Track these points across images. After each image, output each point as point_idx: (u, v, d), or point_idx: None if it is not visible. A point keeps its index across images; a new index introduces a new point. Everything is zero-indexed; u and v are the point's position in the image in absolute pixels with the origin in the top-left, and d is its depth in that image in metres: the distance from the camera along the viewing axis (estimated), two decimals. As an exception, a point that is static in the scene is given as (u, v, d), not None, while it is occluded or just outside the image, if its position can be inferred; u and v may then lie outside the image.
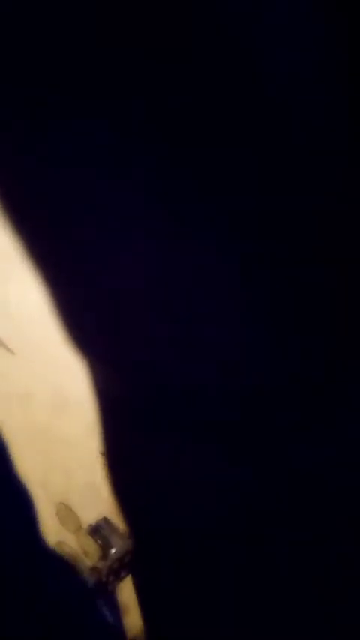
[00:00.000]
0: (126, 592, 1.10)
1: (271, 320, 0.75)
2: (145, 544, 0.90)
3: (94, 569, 1.11)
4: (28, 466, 1.13)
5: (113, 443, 0.91)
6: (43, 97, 0.71)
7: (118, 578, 1.12)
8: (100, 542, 1.13)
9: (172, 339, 0.77)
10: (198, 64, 0.69)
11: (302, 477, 0.73)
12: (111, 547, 1.10)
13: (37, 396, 0.97)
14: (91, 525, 1.17)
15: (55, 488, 1.15)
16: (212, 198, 0.73)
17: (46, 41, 0.71)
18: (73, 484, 1.13)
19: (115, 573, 1.11)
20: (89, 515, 1.18)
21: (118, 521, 1.00)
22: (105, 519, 1.03)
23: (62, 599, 0.84)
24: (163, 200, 0.74)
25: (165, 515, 0.80)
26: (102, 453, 0.95)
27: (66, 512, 1.18)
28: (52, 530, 1.20)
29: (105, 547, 1.13)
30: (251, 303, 0.75)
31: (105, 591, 1.06)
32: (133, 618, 0.99)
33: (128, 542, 1.00)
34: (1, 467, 0.98)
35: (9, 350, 0.93)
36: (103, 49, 0.70)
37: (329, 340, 0.75)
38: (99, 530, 1.16)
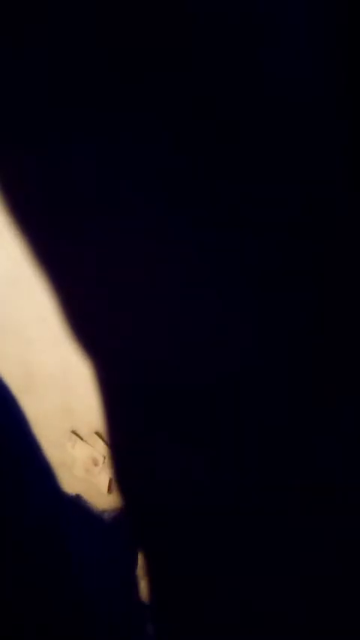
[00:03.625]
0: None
1: (273, 319, 0.76)
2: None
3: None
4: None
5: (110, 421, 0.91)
6: (44, 109, 0.72)
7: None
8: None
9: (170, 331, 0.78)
10: (198, 62, 0.70)
11: (305, 483, 0.74)
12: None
13: (2, 373, 0.97)
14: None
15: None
16: (211, 196, 0.74)
17: (48, 49, 0.71)
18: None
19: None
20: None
21: (90, 499, 1.01)
22: (78, 497, 1.03)
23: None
24: (162, 193, 0.75)
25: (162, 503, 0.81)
26: (73, 432, 0.96)
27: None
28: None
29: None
30: (252, 296, 0.76)
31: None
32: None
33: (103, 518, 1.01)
34: None
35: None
36: (102, 49, 0.70)
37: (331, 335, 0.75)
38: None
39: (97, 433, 0.97)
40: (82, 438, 0.99)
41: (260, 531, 0.74)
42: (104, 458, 0.98)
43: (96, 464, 1.00)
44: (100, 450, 0.99)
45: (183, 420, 0.78)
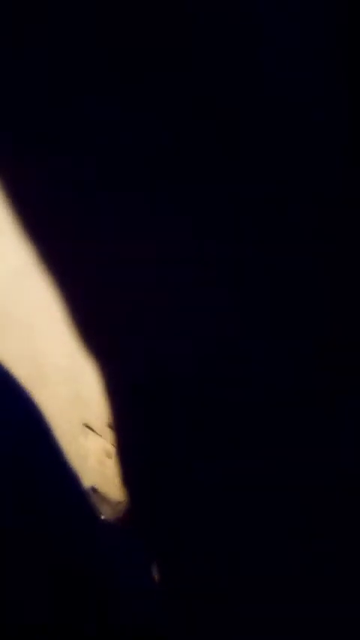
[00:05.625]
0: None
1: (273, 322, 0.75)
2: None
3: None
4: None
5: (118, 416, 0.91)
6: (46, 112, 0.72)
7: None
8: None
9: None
10: (198, 62, 0.69)
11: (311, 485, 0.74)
12: (100, 516, 1.09)
13: (12, 367, 0.96)
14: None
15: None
16: (212, 195, 0.74)
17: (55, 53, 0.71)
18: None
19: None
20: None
21: (104, 490, 1.00)
22: (92, 489, 1.02)
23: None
24: (163, 194, 0.75)
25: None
26: (85, 424, 0.96)
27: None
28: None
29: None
30: (254, 299, 0.76)
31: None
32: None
33: (118, 510, 1.00)
34: None
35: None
36: (102, 49, 0.70)
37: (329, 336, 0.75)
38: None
39: (109, 425, 0.96)
40: (94, 431, 0.99)
41: (260, 531, 0.74)
42: (116, 450, 0.98)
43: (109, 456, 0.99)
44: (112, 442, 0.98)
45: (186, 420, 0.78)
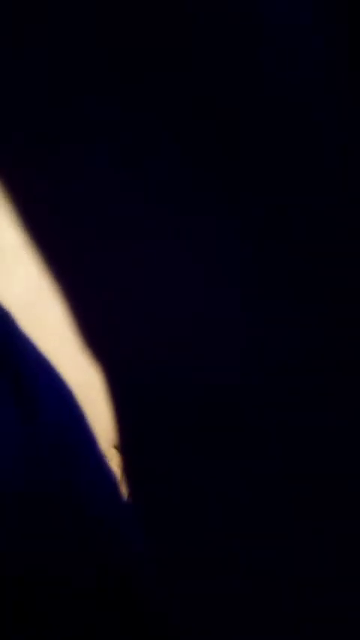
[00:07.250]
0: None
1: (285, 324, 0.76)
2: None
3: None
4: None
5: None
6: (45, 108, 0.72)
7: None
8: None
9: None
10: (198, 62, 0.70)
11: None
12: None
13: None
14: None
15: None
16: (211, 194, 0.74)
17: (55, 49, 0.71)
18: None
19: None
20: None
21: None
22: None
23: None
24: (162, 193, 0.75)
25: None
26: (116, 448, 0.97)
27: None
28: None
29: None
30: (256, 302, 0.76)
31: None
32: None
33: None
34: None
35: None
36: (102, 49, 0.70)
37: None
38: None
39: (115, 447, 0.97)
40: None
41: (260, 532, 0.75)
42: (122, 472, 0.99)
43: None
44: (117, 464, 0.99)
45: (192, 430, 0.78)
